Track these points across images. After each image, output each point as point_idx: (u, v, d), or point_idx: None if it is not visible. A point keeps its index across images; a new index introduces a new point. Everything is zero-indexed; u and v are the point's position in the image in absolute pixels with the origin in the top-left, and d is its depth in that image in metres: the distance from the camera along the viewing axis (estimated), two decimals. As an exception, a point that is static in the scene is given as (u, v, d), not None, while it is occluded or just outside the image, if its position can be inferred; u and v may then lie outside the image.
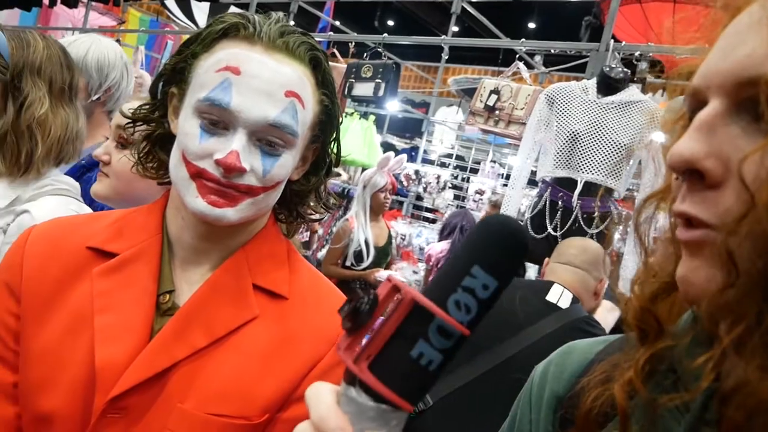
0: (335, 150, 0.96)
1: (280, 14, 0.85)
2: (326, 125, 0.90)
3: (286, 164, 0.83)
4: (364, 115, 5.80)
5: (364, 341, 0.41)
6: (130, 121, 0.92)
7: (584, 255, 1.90)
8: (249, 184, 0.80)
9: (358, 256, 3.35)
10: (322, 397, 0.41)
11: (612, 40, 2.72)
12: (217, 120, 0.78)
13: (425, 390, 0.41)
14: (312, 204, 0.98)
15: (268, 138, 0.80)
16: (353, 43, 4.39)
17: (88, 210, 1.35)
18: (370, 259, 3.32)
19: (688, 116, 0.49)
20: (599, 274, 1.89)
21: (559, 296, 1.77)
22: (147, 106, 0.90)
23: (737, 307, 0.39)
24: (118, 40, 5.64)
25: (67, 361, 0.78)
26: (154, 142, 0.90)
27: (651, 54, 2.61)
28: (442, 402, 1.66)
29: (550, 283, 1.82)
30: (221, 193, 0.79)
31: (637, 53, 2.64)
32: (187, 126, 0.80)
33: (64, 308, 0.81)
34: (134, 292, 0.81)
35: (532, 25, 11.31)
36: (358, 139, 5.48)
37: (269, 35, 0.80)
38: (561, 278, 1.86)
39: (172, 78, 0.86)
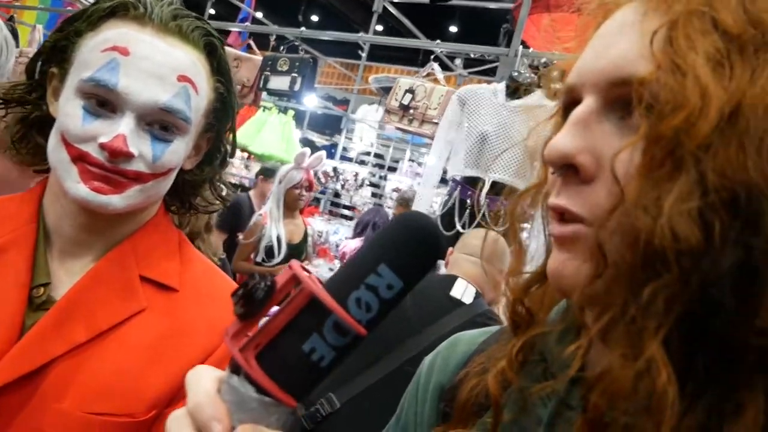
0: (231, 140, 0.94)
1: None
2: (221, 113, 0.88)
3: (178, 151, 0.81)
4: (283, 110, 5.73)
5: (254, 330, 0.39)
6: (2, 102, 0.85)
7: (488, 247, 1.92)
8: (137, 170, 0.77)
9: (269, 252, 3.31)
10: (202, 382, 0.39)
11: (521, 47, 2.84)
12: (103, 102, 0.75)
13: (313, 386, 0.39)
14: (206, 195, 0.96)
15: (159, 123, 0.77)
16: (274, 36, 4.31)
17: None
18: (282, 255, 3.28)
19: (562, 113, 0.51)
20: (503, 267, 1.90)
21: (463, 291, 1.79)
22: (23, 87, 0.84)
23: (604, 297, 0.40)
24: (11, 17, 5.22)
25: None
26: (30, 125, 0.84)
27: (555, 61, 2.74)
28: (350, 404, 1.65)
29: (454, 278, 1.84)
30: (106, 179, 0.75)
31: (543, 60, 2.78)
32: (68, 107, 0.75)
33: None
34: (2, 285, 0.76)
35: (453, 29, 11.60)
36: (276, 134, 5.41)
37: (161, 17, 0.77)
38: (464, 271, 1.88)
39: (52, 57, 0.81)
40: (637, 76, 0.41)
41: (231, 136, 0.93)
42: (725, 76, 0.37)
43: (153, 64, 0.75)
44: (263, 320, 0.39)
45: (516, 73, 2.64)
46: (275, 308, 0.39)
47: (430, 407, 0.65)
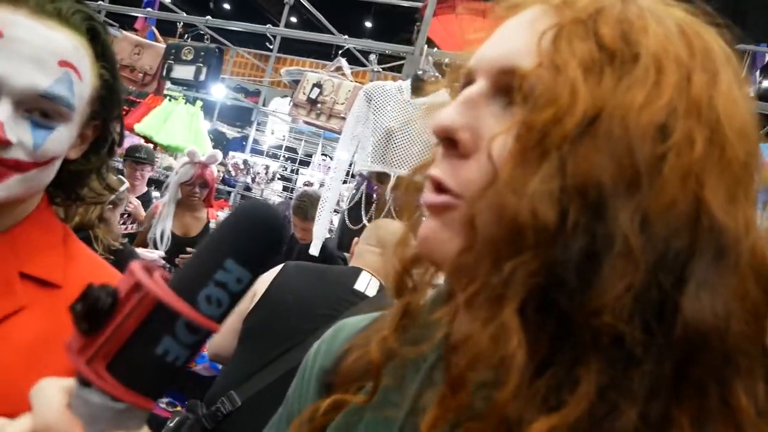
0: (119, 128, 0.92)
1: None
2: (107, 101, 0.86)
3: (61, 139, 0.78)
4: (192, 101, 5.53)
5: (101, 341, 0.37)
6: None
7: (389, 236, 1.93)
8: (17, 159, 0.74)
9: (155, 245, 3.23)
10: (48, 398, 0.38)
11: (425, 46, 2.93)
12: None
13: (170, 384, 0.39)
14: (94, 185, 0.94)
15: (39, 109, 0.75)
16: (181, 24, 4.16)
17: None
18: (164, 247, 3.21)
19: (459, 93, 0.54)
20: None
21: (367, 284, 1.81)
22: None
23: (471, 269, 0.43)
24: None
25: None
26: None
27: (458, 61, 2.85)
28: (251, 401, 1.63)
29: (359, 271, 1.85)
30: None
31: (446, 60, 2.88)
32: None
33: None
34: None
35: (369, 24, 11.65)
36: (182, 124, 5.21)
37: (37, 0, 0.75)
38: (368, 262, 1.89)
39: None
40: (521, 69, 0.45)
41: (118, 124, 0.92)
42: (595, 82, 0.42)
43: (31, 47, 0.73)
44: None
45: (420, 71, 2.72)
46: (120, 315, 0.38)
47: (313, 387, 0.67)
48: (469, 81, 0.51)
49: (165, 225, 3.25)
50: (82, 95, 0.80)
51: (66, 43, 0.76)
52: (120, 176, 2.46)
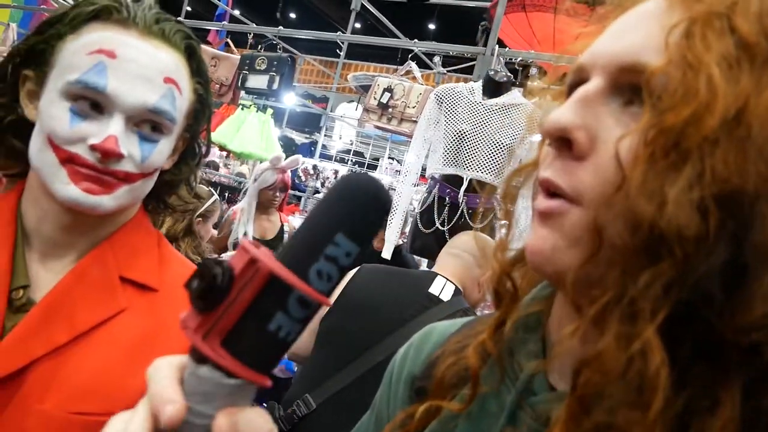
0: (206, 139, 0.96)
1: (151, 1, 0.84)
2: (200, 114, 0.90)
3: (164, 151, 0.83)
4: (262, 109, 5.70)
5: (216, 317, 0.37)
6: None
7: (473, 243, 1.89)
8: (127, 171, 0.78)
9: (236, 247, 3.33)
10: (162, 372, 0.39)
11: (497, 46, 2.88)
12: (91, 104, 0.75)
13: (280, 359, 0.39)
14: (182, 194, 0.97)
15: (147, 124, 0.79)
16: (252, 35, 4.29)
17: None
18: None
19: (566, 92, 0.51)
20: (485, 264, 1.84)
21: (442, 288, 1.77)
22: None
23: (598, 280, 0.40)
24: (-15, 16, 5.11)
25: None
26: (4, 129, 0.84)
27: (531, 60, 2.79)
28: (326, 404, 1.64)
29: (434, 275, 1.82)
30: (97, 179, 0.76)
31: (519, 59, 2.81)
32: (53, 109, 0.76)
33: None
34: None
35: (432, 27, 11.63)
36: (254, 132, 5.38)
37: (145, 21, 0.79)
38: (446, 265, 1.86)
39: (29, 60, 0.81)
40: (649, 66, 0.42)
41: (206, 135, 0.95)
42: (734, 78, 0.39)
43: (140, 66, 0.77)
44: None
45: (492, 72, 2.67)
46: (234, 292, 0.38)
47: (402, 393, 0.66)
48: (580, 79, 0.48)
49: (248, 228, 3.35)
50: (182, 109, 0.83)
51: (169, 61, 0.80)
52: (211, 188, 2.52)
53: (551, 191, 0.45)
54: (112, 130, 0.75)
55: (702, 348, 0.38)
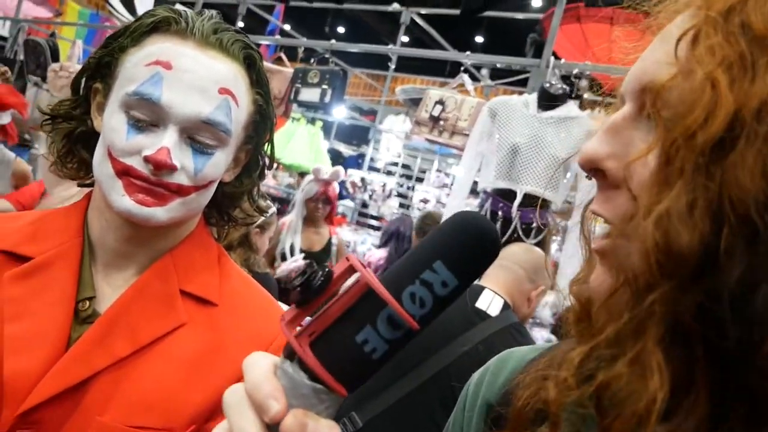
0: (269, 152, 0.94)
1: (213, 11, 0.84)
2: (260, 126, 0.88)
3: (219, 163, 0.81)
4: (311, 121, 5.78)
5: (309, 318, 0.39)
6: (48, 117, 0.87)
7: (526, 255, 1.86)
8: (180, 183, 0.77)
9: (284, 258, 3.38)
10: (259, 364, 0.39)
11: (552, 58, 2.82)
12: (147, 115, 0.76)
13: (364, 378, 0.39)
14: (245, 207, 0.96)
15: (200, 136, 0.78)
16: (302, 48, 4.36)
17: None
18: (306, 260, 3.35)
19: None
20: (537, 279, 1.84)
21: (489, 303, 1.73)
22: (68, 102, 0.86)
23: (616, 305, 0.40)
24: (53, 33, 5.38)
25: None
26: (76, 140, 0.86)
27: (588, 72, 2.72)
28: (372, 423, 1.62)
29: (481, 288, 1.78)
30: (150, 191, 0.76)
31: (575, 71, 2.74)
32: (113, 121, 0.76)
33: None
34: (50, 299, 0.77)
35: (480, 40, 11.58)
36: (304, 144, 5.46)
37: (202, 31, 0.78)
38: (494, 278, 1.82)
39: (97, 72, 0.83)
40: (652, 83, 0.41)
41: (269, 147, 0.94)
42: (746, 79, 0.36)
43: (195, 77, 0.76)
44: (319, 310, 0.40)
45: (547, 84, 2.61)
46: (331, 298, 0.39)
47: (476, 423, 0.64)
48: (623, 105, 0.47)
49: (294, 239, 3.40)
50: (239, 120, 0.82)
51: (226, 71, 0.79)
52: (269, 201, 2.55)
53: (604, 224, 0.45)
54: (165, 142, 0.75)
55: (732, 379, 0.35)
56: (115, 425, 0.73)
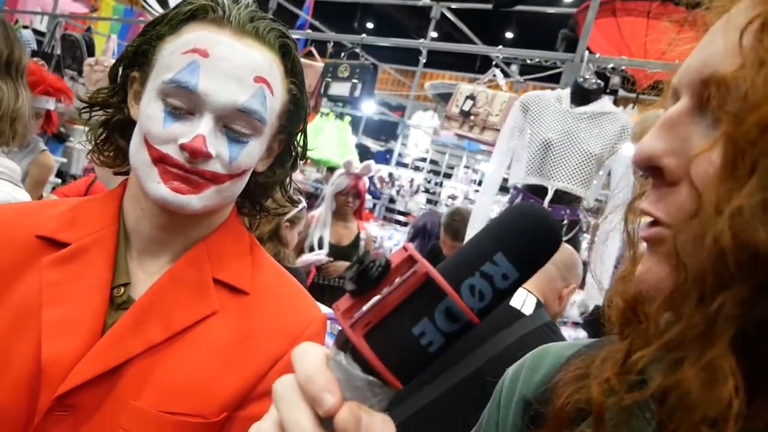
0: (302, 142, 0.94)
1: (249, 0, 0.83)
2: (294, 115, 0.88)
3: (253, 152, 0.81)
4: (340, 116, 5.80)
5: (365, 308, 0.38)
6: (86, 105, 0.87)
7: (558, 253, 1.85)
8: (214, 171, 0.78)
9: (312, 251, 3.39)
10: (311, 355, 0.38)
11: (587, 52, 2.76)
12: (183, 103, 0.76)
13: (418, 371, 0.38)
14: (277, 197, 0.96)
15: (235, 124, 0.78)
16: (331, 43, 4.36)
17: (25, 194, 1.30)
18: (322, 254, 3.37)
19: None
20: (569, 277, 1.83)
21: (523, 301, 1.72)
22: (105, 91, 0.87)
23: (680, 306, 0.38)
24: (89, 28, 5.50)
25: (12, 357, 0.74)
26: (113, 128, 0.87)
27: (623, 67, 2.66)
28: (406, 424, 1.61)
29: None
30: (185, 179, 0.76)
31: (610, 66, 2.68)
32: (150, 109, 0.77)
33: (10, 301, 0.77)
34: (86, 285, 0.78)
35: (509, 35, 11.45)
36: (332, 139, 5.48)
37: (239, 19, 0.78)
38: None
39: (134, 61, 0.83)
40: (716, 75, 0.39)
41: (302, 138, 0.93)
42: None
43: (231, 65, 0.76)
44: (374, 299, 0.38)
45: (581, 79, 2.56)
46: (387, 288, 0.38)
47: (513, 419, 0.62)
48: (675, 101, 0.45)
49: (324, 232, 3.41)
50: (273, 109, 0.82)
51: (262, 60, 0.79)
52: (299, 195, 2.57)
53: (654, 220, 0.44)
54: (201, 129, 0.75)
55: None
56: (149, 410, 0.73)
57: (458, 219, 3.26)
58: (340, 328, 0.38)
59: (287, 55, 0.83)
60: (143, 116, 0.78)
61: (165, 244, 0.83)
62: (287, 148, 0.92)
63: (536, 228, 0.38)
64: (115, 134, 0.87)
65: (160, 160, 0.76)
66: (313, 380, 0.36)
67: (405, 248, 0.39)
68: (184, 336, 0.78)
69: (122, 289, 0.79)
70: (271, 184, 0.93)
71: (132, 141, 0.80)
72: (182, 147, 0.75)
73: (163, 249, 0.83)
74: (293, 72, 0.85)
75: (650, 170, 0.44)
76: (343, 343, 0.38)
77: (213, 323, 0.80)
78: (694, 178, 0.40)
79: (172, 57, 0.77)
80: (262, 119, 0.79)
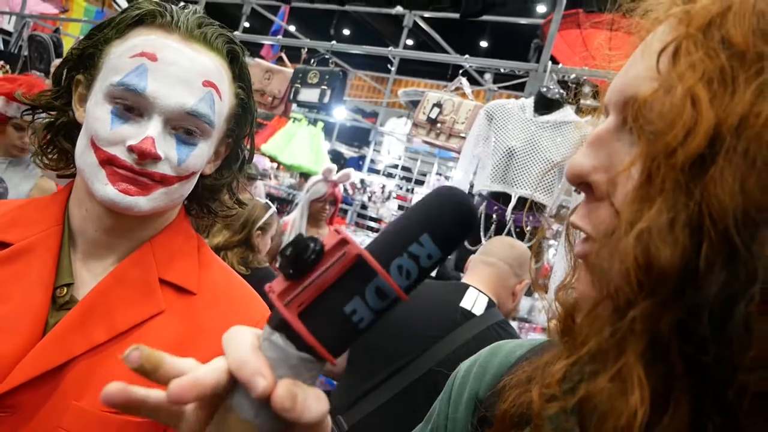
0: (249, 146, 0.95)
1: (197, 6, 0.85)
2: (241, 119, 0.89)
3: (202, 154, 0.83)
4: (313, 122, 5.80)
5: (299, 289, 0.40)
6: (29, 107, 0.88)
7: (510, 250, 1.84)
8: (163, 173, 0.78)
9: None
10: (241, 338, 0.39)
11: (550, 62, 2.82)
12: (131, 106, 0.77)
13: (348, 346, 0.40)
14: (224, 200, 0.97)
15: (184, 126, 0.79)
16: (306, 49, 4.38)
17: None
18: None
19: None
20: (522, 274, 1.83)
21: (474, 301, 1.72)
22: (49, 93, 0.87)
23: (597, 320, 0.40)
24: (57, 29, 5.42)
25: None
26: (57, 131, 0.87)
27: (585, 77, 2.73)
28: (358, 426, 1.61)
29: (466, 287, 1.76)
30: (133, 180, 0.77)
31: (572, 76, 2.75)
32: (97, 111, 0.77)
33: None
34: (27, 285, 0.77)
35: (484, 44, 11.59)
36: (305, 145, 5.47)
37: (187, 25, 0.80)
38: (479, 276, 1.80)
39: (79, 64, 0.84)
40: (635, 96, 0.41)
41: (249, 141, 0.95)
42: (726, 94, 0.36)
43: (180, 69, 0.77)
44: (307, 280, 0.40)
45: (545, 89, 2.62)
46: (320, 269, 0.40)
47: (463, 415, 0.64)
48: (608, 116, 0.47)
49: None
50: (221, 113, 0.83)
51: (210, 64, 0.80)
52: (268, 201, 2.58)
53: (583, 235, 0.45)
54: (149, 131, 0.76)
55: (709, 391, 0.36)
56: (92, 410, 0.73)
57: None
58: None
59: (235, 61, 0.85)
60: (90, 118, 0.78)
61: (110, 246, 0.83)
62: (235, 151, 0.93)
63: (458, 212, 0.40)
64: (60, 137, 0.87)
65: (107, 161, 0.76)
66: (244, 365, 0.37)
67: (337, 231, 0.41)
68: (129, 336, 0.78)
69: (65, 289, 0.79)
70: (219, 186, 0.94)
71: (78, 143, 0.80)
72: (131, 149, 0.75)
73: (108, 251, 0.83)
74: (241, 77, 0.87)
75: (582, 186, 0.45)
76: (278, 323, 0.40)
77: (159, 323, 0.80)
78: (616, 195, 0.41)
79: (119, 60, 0.78)
80: (211, 122, 0.80)
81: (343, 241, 0.39)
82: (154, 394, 0.41)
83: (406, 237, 0.40)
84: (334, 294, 0.39)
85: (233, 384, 0.39)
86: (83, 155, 0.79)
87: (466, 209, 0.41)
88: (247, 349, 0.38)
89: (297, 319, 0.39)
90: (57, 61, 2.79)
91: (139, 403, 0.41)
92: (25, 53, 5.01)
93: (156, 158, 0.77)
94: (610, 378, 0.37)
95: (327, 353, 0.39)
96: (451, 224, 0.40)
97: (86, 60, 0.82)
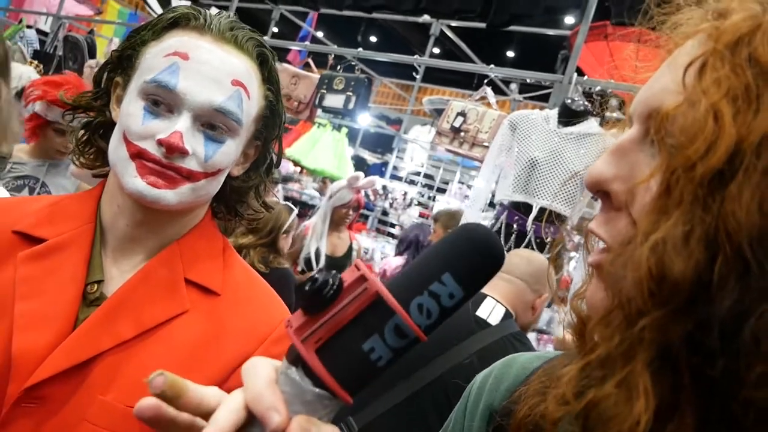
0: (278, 149, 0.97)
1: (229, 12, 0.88)
2: (269, 122, 0.91)
3: (229, 152, 0.85)
4: (337, 128, 5.83)
5: (316, 325, 0.39)
6: (70, 108, 0.91)
7: (527, 266, 1.84)
8: (190, 168, 0.81)
9: (308, 263, 3.38)
10: (260, 371, 0.40)
11: (576, 74, 2.81)
12: (162, 102, 0.79)
13: (366, 384, 0.40)
14: (251, 203, 0.99)
15: (212, 123, 0.82)
16: (332, 55, 4.42)
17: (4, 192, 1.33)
18: (319, 266, 3.36)
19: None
20: (540, 289, 1.83)
21: (490, 311, 1.73)
22: (89, 94, 0.90)
23: (608, 328, 0.40)
24: (92, 31, 5.55)
25: None
26: (94, 130, 0.90)
27: (610, 90, 2.71)
28: (368, 428, 1.61)
29: (483, 297, 1.77)
30: (161, 174, 0.79)
31: (597, 88, 2.74)
32: (130, 108, 0.81)
33: None
34: (60, 280, 0.80)
35: (510, 54, 11.55)
36: (328, 150, 5.50)
37: (219, 27, 0.83)
38: (497, 289, 1.81)
39: (119, 66, 0.87)
40: (659, 109, 0.41)
41: (278, 145, 0.97)
42: (749, 112, 0.36)
43: (210, 68, 0.80)
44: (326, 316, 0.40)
45: (569, 100, 2.61)
46: (339, 305, 0.40)
47: (478, 426, 0.64)
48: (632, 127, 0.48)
49: (321, 244, 3.40)
50: (250, 113, 0.86)
51: (240, 65, 0.83)
52: (290, 204, 2.63)
53: (599, 243, 0.46)
54: (178, 126, 0.79)
55: (718, 405, 0.36)
56: (116, 405, 0.75)
57: (456, 224, 3.29)
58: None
59: (264, 64, 0.88)
60: (123, 114, 0.81)
61: (140, 241, 0.85)
62: (263, 154, 0.95)
63: (482, 249, 0.39)
64: (96, 136, 0.90)
65: (137, 155, 0.79)
66: (260, 399, 0.38)
67: (356, 266, 0.40)
68: (155, 333, 0.80)
69: (95, 286, 0.82)
70: (246, 189, 0.95)
71: (112, 138, 0.83)
72: (159, 142, 0.78)
73: (137, 247, 0.86)
74: (270, 80, 0.89)
75: (600, 194, 0.45)
76: (295, 358, 0.39)
77: (183, 322, 0.82)
78: (634, 205, 0.41)
79: (154, 59, 0.81)
80: (239, 120, 0.83)
81: (363, 278, 0.39)
82: (183, 416, 0.41)
83: (428, 275, 0.39)
84: (353, 331, 0.39)
85: (251, 416, 0.39)
86: (116, 150, 0.81)
87: (491, 247, 0.40)
88: (264, 383, 0.38)
89: (314, 355, 0.38)
90: (90, 62, 2.87)
91: (167, 422, 0.41)
92: (60, 53, 5.15)
93: (183, 152, 0.79)
94: (616, 384, 0.37)
95: (343, 391, 0.38)
96: (473, 264, 0.39)
97: (125, 61, 0.86)
